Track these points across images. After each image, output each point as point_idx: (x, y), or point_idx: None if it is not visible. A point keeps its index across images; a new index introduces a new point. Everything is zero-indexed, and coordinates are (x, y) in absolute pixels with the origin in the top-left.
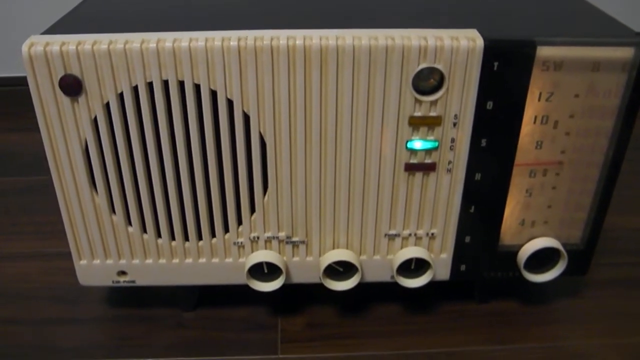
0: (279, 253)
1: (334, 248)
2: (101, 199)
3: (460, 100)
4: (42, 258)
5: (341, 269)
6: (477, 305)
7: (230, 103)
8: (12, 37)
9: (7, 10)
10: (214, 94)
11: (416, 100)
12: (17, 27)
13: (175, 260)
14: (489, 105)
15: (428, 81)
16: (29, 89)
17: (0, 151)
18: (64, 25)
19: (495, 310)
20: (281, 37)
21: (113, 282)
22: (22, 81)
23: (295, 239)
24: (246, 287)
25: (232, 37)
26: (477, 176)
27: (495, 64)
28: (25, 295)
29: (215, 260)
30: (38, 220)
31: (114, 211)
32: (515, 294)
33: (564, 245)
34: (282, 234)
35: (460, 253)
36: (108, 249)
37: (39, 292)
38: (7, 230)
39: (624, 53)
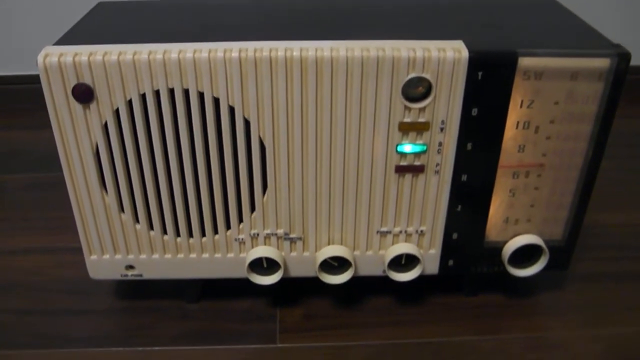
0: (278, 249)
1: (329, 244)
2: (111, 198)
3: (447, 107)
4: (53, 252)
5: (336, 264)
6: (465, 298)
7: (231, 109)
8: (21, 36)
9: (17, 10)
10: (216, 101)
11: (405, 107)
12: (25, 27)
13: (180, 256)
14: (474, 111)
15: (417, 89)
16: (36, 87)
17: (11, 148)
18: (76, 36)
19: (482, 302)
20: (279, 48)
21: (121, 275)
22: (31, 79)
23: (292, 235)
24: (247, 281)
25: (234, 49)
26: (464, 177)
27: (480, 73)
28: (38, 287)
29: (217, 255)
30: (49, 215)
31: (122, 210)
32: (501, 288)
33: (546, 241)
34: (280, 231)
35: (448, 249)
36: (117, 245)
37: (51, 285)
38: (20, 225)
39: (601, 63)
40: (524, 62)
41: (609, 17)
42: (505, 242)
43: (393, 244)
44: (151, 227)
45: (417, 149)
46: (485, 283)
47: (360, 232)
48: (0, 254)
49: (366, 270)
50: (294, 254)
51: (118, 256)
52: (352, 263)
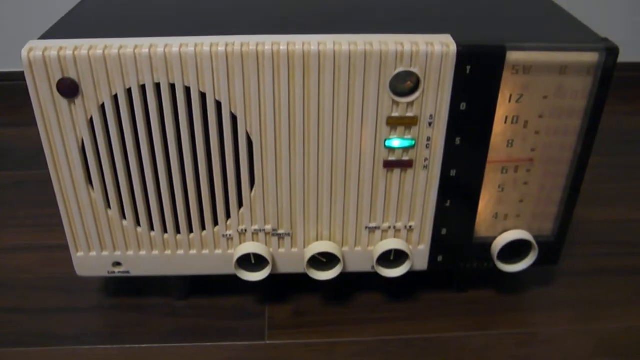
0: (266, 245)
1: (317, 240)
2: (97, 194)
3: (435, 101)
4: (40, 250)
5: (324, 260)
6: (454, 294)
7: (218, 104)
8: (5, 31)
9: (3, 7)
10: (203, 96)
11: (394, 101)
12: (12, 23)
13: (168, 252)
14: (463, 106)
15: (405, 84)
16: (23, 84)
17: None
18: (61, 30)
19: (472, 298)
20: (266, 42)
21: (109, 272)
22: (16, 76)
23: (280, 231)
24: (235, 277)
25: (220, 43)
26: (452, 172)
27: (468, 67)
28: (25, 285)
29: (205, 251)
30: (35, 213)
31: (109, 206)
32: (491, 283)
33: (535, 237)
34: (268, 227)
35: (437, 244)
36: (104, 242)
37: (38, 283)
38: (6, 223)
39: (590, 58)
40: (513, 56)
41: (598, 13)
42: (494, 238)
43: (382, 239)
44: (138, 223)
45: (406, 143)
46: (475, 279)
47: (348, 227)
48: None
49: (355, 266)
50: (282, 250)
51: (105, 253)
52: (341, 259)
